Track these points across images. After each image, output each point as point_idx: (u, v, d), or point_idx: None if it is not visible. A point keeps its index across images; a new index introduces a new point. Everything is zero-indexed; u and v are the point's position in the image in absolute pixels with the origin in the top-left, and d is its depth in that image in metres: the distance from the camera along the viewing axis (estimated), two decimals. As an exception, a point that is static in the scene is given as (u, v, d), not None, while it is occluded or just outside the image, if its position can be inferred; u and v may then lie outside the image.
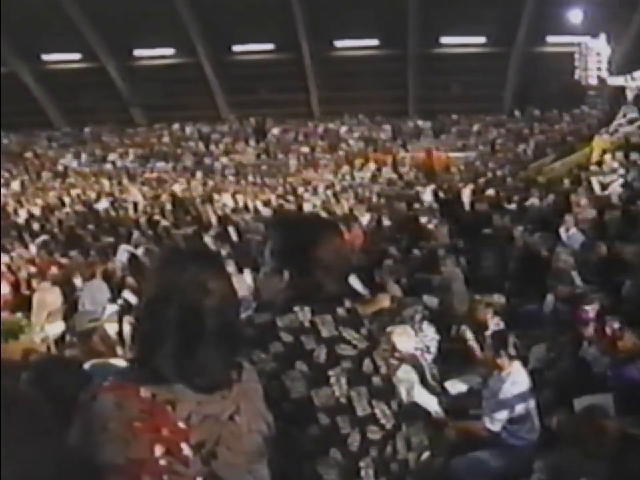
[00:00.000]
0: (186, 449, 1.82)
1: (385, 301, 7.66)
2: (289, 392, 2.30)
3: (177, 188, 23.87)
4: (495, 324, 7.47)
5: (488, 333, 6.94)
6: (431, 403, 5.97)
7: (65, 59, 35.08)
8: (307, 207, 18.10)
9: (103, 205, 21.00)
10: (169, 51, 34.38)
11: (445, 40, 31.96)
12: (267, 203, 19.22)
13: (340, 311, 2.48)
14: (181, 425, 1.83)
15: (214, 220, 15.71)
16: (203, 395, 1.87)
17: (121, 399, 1.81)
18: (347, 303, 2.54)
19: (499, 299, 8.13)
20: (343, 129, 32.95)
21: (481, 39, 31.68)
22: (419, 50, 31.86)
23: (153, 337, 1.88)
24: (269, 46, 33.46)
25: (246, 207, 18.60)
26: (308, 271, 2.47)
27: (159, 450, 1.79)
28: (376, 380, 2.43)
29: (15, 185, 28.27)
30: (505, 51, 31.17)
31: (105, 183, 26.91)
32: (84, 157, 33.53)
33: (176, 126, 34.83)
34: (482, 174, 23.82)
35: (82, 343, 4.67)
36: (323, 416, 2.31)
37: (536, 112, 30.94)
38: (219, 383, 1.92)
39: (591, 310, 7.05)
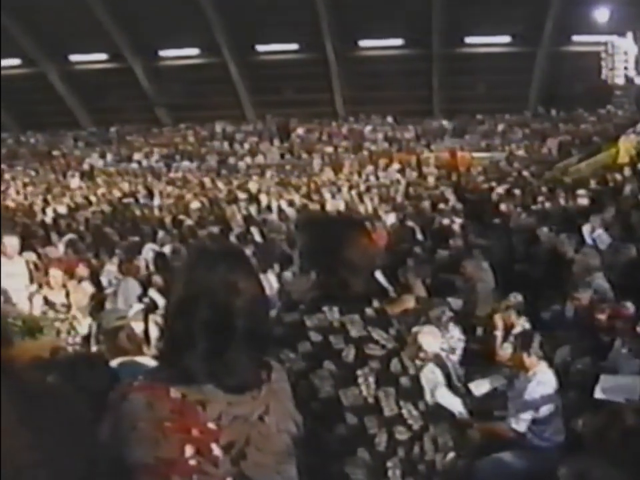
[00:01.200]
0: (216, 449, 1.83)
1: (410, 301, 7.65)
2: (317, 391, 2.31)
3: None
4: (519, 324, 7.44)
5: (513, 333, 6.94)
6: (455, 403, 5.97)
7: (92, 59, 35.39)
8: (330, 207, 18.10)
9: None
10: (194, 51, 34.52)
11: (469, 40, 31.80)
12: (291, 203, 19.22)
13: (368, 311, 2.48)
14: (211, 425, 1.84)
15: (238, 219, 15.76)
16: (233, 396, 1.88)
17: (151, 399, 1.82)
18: (375, 303, 2.54)
19: (515, 298, 8.07)
20: (367, 129, 32.91)
21: (506, 39, 31.51)
22: (443, 50, 31.72)
23: (182, 337, 1.88)
24: (294, 46, 33.49)
25: (269, 207, 18.62)
26: (335, 270, 2.47)
27: (189, 450, 1.81)
28: (404, 380, 2.44)
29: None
30: (530, 50, 30.94)
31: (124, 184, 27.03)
32: (109, 156, 33.79)
33: (201, 126, 35.00)
34: (507, 174, 23.67)
35: (109, 341, 4.70)
36: (351, 416, 2.31)
37: (561, 112, 30.72)
38: (249, 383, 1.93)
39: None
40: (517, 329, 7.18)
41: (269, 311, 2.15)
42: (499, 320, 7.64)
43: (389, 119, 33.21)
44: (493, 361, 7.39)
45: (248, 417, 1.89)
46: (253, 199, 20.59)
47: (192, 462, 1.80)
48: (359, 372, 2.36)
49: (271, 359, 2.09)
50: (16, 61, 35.58)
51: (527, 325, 7.37)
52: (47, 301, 7.91)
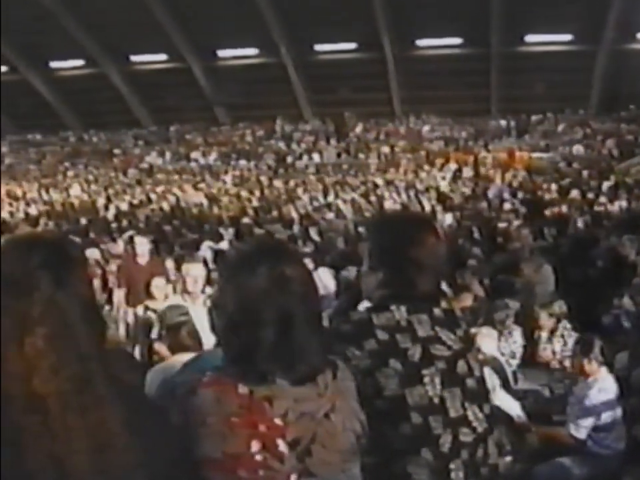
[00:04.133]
0: (282, 446, 1.84)
1: (467, 300, 7.63)
2: (382, 389, 2.31)
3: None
4: (559, 328, 7.37)
5: (556, 335, 6.88)
6: (513, 407, 5.91)
7: (152, 59, 35.94)
8: (388, 206, 18.08)
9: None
10: (252, 51, 34.71)
11: (529, 38, 31.28)
12: (348, 202, 19.26)
13: (436, 311, 2.48)
14: (278, 421, 1.85)
15: (296, 218, 15.86)
16: (300, 392, 1.89)
17: (219, 394, 1.84)
18: (444, 303, 2.53)
19: (560, 307, 7.92)
20: (425, 129, 32.72)
21: (567, 37, 30.90)
22: (502, 48, 31.25)
23: (245, 339, 1.90)
24: (351, 45, 33.38)
25: (327, 206, 18.68)
26: (403, 269, 2.47)
27: (255, 445, 1.82)
28: (470, 382, 2.42)
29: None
30: (591, 48, 30.28)
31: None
32: (168, 154, 34.31)
33: (258, 125, 35.26)
34: (566, 175, 23.33)
35: (171, 336, 4.78)
36: (416, 415, 2.31)
37: (623, 111, 30.07)
38: (315, 372, 1.94)
39: None
40: (558, 332, 7.12)
41: (321, 300, 2.16)
42: (544, 321, 7.55)
43: (447, 119, 32.95)
44: (534, 362, 7.35)
45: (314, 414, 1.90)
46: (311, 197, 20.68)
47: (258, 457, 1.82)
48: (425, 371, 2.35)
49: (337, 356, 2.09)
50: (79, 62, 36.40)
51: (568, 330, 7.29)
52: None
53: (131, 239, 13.23)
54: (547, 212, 15.68)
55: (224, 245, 12.11)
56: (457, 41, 32.11)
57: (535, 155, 28.10)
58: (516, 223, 13.96)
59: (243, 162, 32.24)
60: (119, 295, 9.05)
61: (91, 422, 1.53)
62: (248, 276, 1.95)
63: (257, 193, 23.38)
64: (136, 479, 1.58)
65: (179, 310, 5.31)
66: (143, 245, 9.07)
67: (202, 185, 27.24)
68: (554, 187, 19.97)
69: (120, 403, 1.59)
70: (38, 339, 1.54)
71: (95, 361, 1.61)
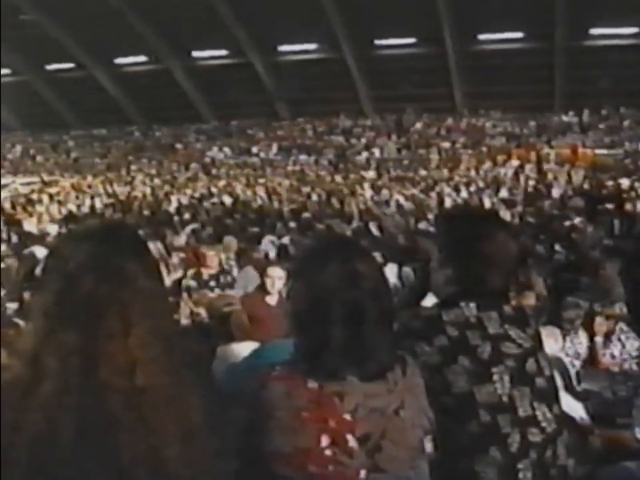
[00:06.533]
0: (351, 441, 1.84)
1: (530, 298, 7.52)
2: (450, 386, 2.29)
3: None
4: (617, 330, 7.20)
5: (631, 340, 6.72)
6: (576, 408, 5.82)
7: (214, 55, 36.34)
8: (448, 203, 17.95)
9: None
10: (313, 46, 34.82)
11: (594, 31, 30.57)
12: (408, 197, 19.18)
13: (506, 308, 2.45)
14: (347, 416, 1.85)
15: (356, 213, 15.86)
16: (370, 386, 1.89)
17: (289, 389, 1.85)
18: (514, 301, 2.52)
19: (621, 310, 7.72)
20: (487, 124, 32.34)
21: (634, 30, 30.12)
22: (566, 42, 30.62)
23: (316, 336, 1.90)
24: (412, 40, 33.21)
25: (387, 201, 18.63)
26: (473, 265, 2.45)
27: (325, 440, 1.83)
28: (539, 381, 2.38)
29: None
30: (660, 41, 29.52)
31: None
32: (229, 149, 34.66)
33: (319, 120, 35.34)
34: (632, 172, 22.81)
35: (218, 325, 4.84)
36: (484, 413, 2.28)
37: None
38: (385, 368, 1.93)
39: None
40: (615, 336, 6.97)
41: (392, 294, 2.16)
42: (600, 326, 7.39)
43: (509, 114, 32.50)
44: (595, 364, 7.20)
45: (384, 410, 1.90)
46: (371, 193, 20.65)
47: (328, 452, 1.82)
48: (494, 369, 2.32)
49: (406, 352, 2.08)
50: (142, 58, 37.02)
51: (626, 332, 7.12)
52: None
53: (193, 231, 13.45)
54: (612, 209, 15.36)
55: (286, 239, 12.17)
56: (519, 34, 31.61)
57: (599, 151, 27.53)
58: (580, 220, 13.70)
59: (303, 157, 32.37)
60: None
61: (178, 411, 1.54)
62: (319, 272, 1.95)
63: (317, 187, 23.43)
64: (216, 467, 1.59)
65: (225, 300, 5.38)
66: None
67: (262, 180, 27.46)
68: (622, 183, 19.56)
69: (200, 391, 1.61)
70: (141, 331, 1.54)
71: (181, 350, 1.63)
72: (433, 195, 20.08)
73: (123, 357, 1.51)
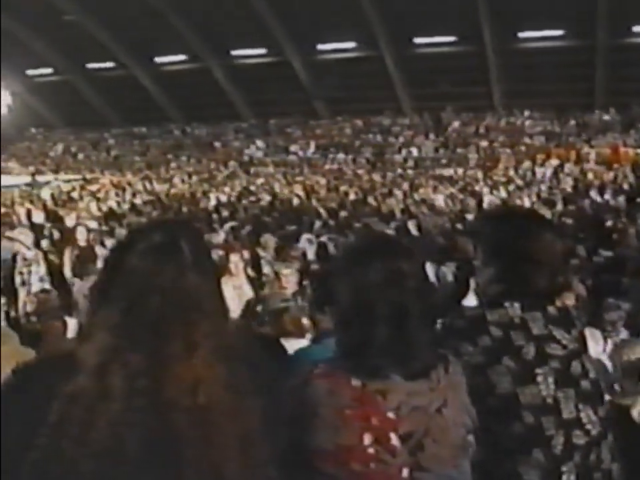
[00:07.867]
0: (394, 439, 1.85)
1: (569, 299, 7.44)
2: (494, 387, 2.27)
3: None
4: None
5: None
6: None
7: (252, 53, 36.49)
8: (487, 202, 17.80)
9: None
10: (351, 45, 34.78)
11: (636, 29, 30.05)
12: (446, 196, 19.07)
13: (551, 309, 2.42)
14: (390, 415, 1.85)
15: (395, 212, 15.81)
16: (413, 385, 1.89)
17: (332, 386, 1.86)
18: (559, 302, 2.48)
19: None
20: (526, 123, 32.02)
21: (679, 27, 29.59)
22: (607, 40, 30.12)
23: (360, 335, 1.91)
24: (451, 38, 33.02)
25: (425, 200, 18.54)
26: (518, 265, 2.43)
27: (367, 438, 1.83)
28: (584, 383, 2.35)
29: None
30: None
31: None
32: (267, 147, 34.80)
33: (357, 118, 35.30)
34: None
35: (273, 322, 4.87)
36: (528, 414, 2.26)
37: None
38: (428, 367, 1.93)
39: None
40: None
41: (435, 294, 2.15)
42: None
43: (548, 113, 32.14)
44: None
45: (427, 409, 1.90)
46: (408, 191, 20.57)
47: (370, 450, 1.83)
48: (538, 370, 2.30)
49: (449, 351, 2.08)
50: (182, 57, 37.31)
51: None
52: None
53: (231, 229, 13.50)
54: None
55: (324, 238, 12.18)
56: (559, 32, 31.21)
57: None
58: (621, 220, 13.50)
59: (341, 155, 32.37)
60: None
61: (239, 427, 1.56)
62: (363, 271, 1.95)
63: (355, 185, 23.42)
64: (268, 472, 1.61)
65: (281, 296, 5.41)
66: None
67: (300, 178, 27.52)
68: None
69: (260, 403, 1.62)
70: (205, 351, 1.55)
71: (244, 366, 1.64)
72: (472, 194, 19.94)
73: (187, 377, 1.52)
